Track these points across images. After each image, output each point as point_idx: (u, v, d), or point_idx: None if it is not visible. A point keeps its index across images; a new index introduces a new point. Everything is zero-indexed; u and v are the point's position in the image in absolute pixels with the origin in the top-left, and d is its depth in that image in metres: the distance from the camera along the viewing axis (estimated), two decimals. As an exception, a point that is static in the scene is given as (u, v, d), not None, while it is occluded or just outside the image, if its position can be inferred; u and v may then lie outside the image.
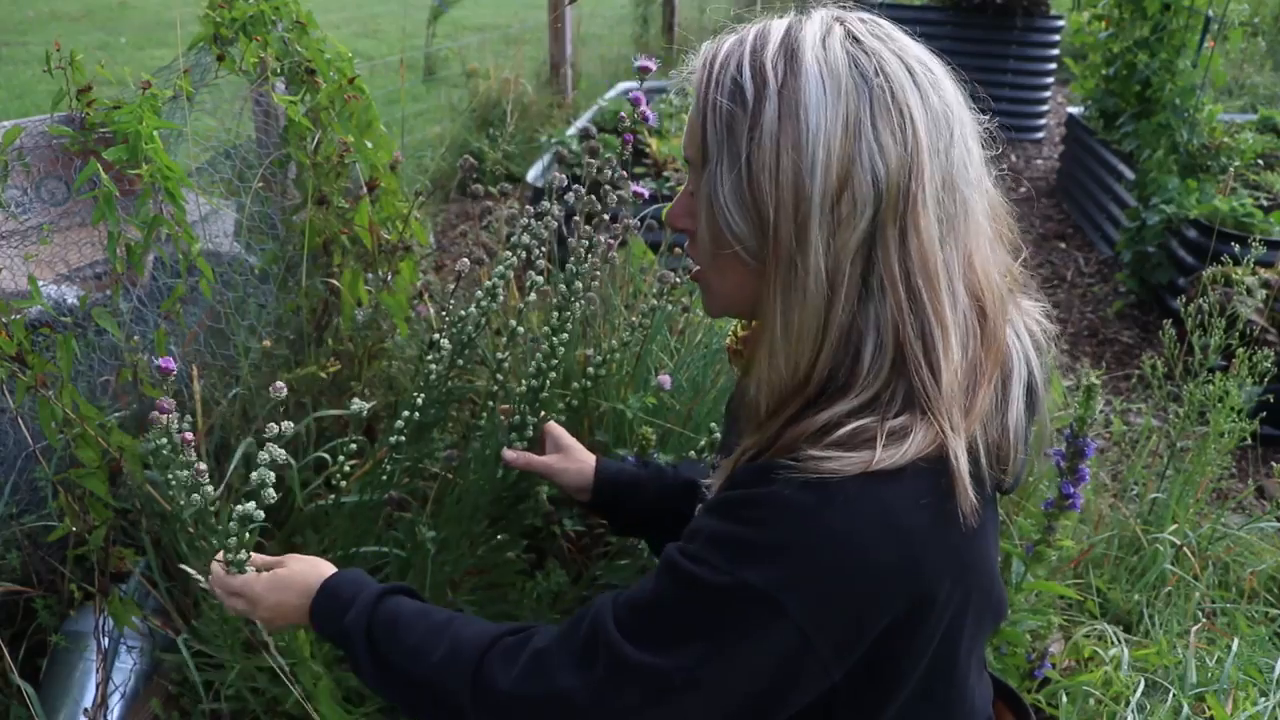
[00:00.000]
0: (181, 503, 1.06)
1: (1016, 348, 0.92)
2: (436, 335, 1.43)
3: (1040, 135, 6.57)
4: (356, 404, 1.35)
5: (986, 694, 1.05)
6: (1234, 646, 1.67)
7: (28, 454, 1.51)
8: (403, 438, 1.41)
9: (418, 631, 0.98)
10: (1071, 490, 1.39)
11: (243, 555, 1.08)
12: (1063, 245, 4.80)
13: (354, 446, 1.38)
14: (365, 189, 1.74)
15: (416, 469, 1.63)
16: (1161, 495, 2.18)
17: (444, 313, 1.46)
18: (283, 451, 1.04)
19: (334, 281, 1.79)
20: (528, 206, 1.46)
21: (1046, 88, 6.51)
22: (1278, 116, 4.64)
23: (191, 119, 1.66)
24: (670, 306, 1.74)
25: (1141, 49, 4.20)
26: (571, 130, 4.43)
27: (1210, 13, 4.07)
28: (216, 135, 1.81)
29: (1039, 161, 6.17)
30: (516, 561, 1.62)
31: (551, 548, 1.73)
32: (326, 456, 1.64)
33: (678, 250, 1.83)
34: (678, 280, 1.65)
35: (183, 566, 1.18)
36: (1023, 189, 5.63)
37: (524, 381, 1.42)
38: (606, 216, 1.50)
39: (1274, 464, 2.15)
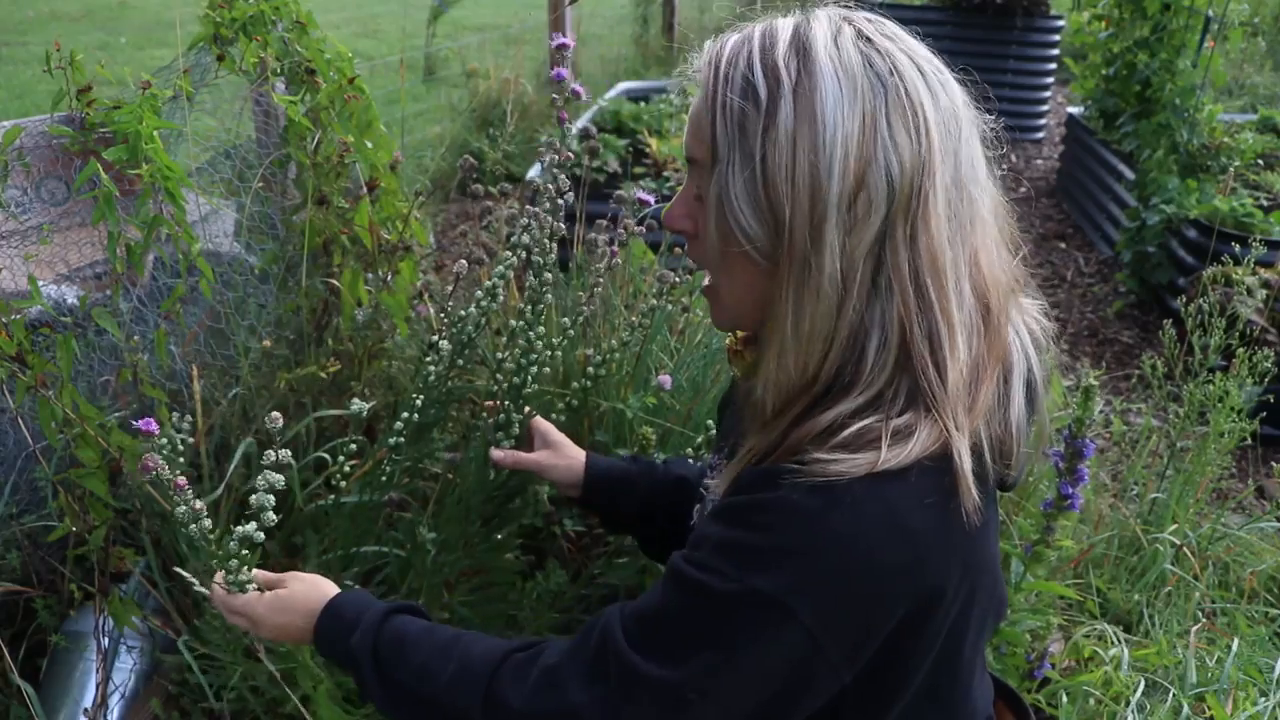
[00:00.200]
0: (180, 517, 1.06)
1: (1016, 344, 0.92)
2: (436, 336, 1.42)
3: (1040, 135, 6.57)
4: (356, 404, 1.35)
5: (988, 694, 1.05)
6: (1234, 646, 1.67)
7: (28, 454, 1.51)
8: (402, 438, 1.40)
9: (425, 650, 0.97)
10: (1071, 490, 1.39)
11: (244, 576, 1.07)
12: (1063, 245, 4.79)
13: (354, 447, 1.38)
14: (365, 189, 1.74)
15: (416, 469, 1.63)
16: (1161, 495, 2.18)
17: (444, 313, 1.46)
18: (280, 477, 1.03)
19: (334, 281, 1.79)
20: (528, 206, 1.46)
21: (1046, 88, 6.50)
22: (1278, 116, 4.64)
23: (191, 119, 1.66)
24: (670, 306, 1.74)
25: (1141, 49, 4.20)
26: (571, 130, 4.43)
27: (1210, 13, 4.07)
28: (216, 135, 1.81)
29: (1039, 161, 6.17)
30: (514, 562, 1.62)
31: (551, 548, 1.73)
32: (326, 456, 1.64)
33: (678, 250, 1.83)
34: (678, 280, 1.65)
35: (178, 570, 1.17)
36: (1023, 189, 5.62)
37: (508, 379, 1.41)
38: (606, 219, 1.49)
39: (1274, 464, 2.15)
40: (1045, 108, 6.58)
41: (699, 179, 0.88)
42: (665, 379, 1.64)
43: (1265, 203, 3.74)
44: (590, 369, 1.57)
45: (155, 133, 1.38)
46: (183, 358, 1.71)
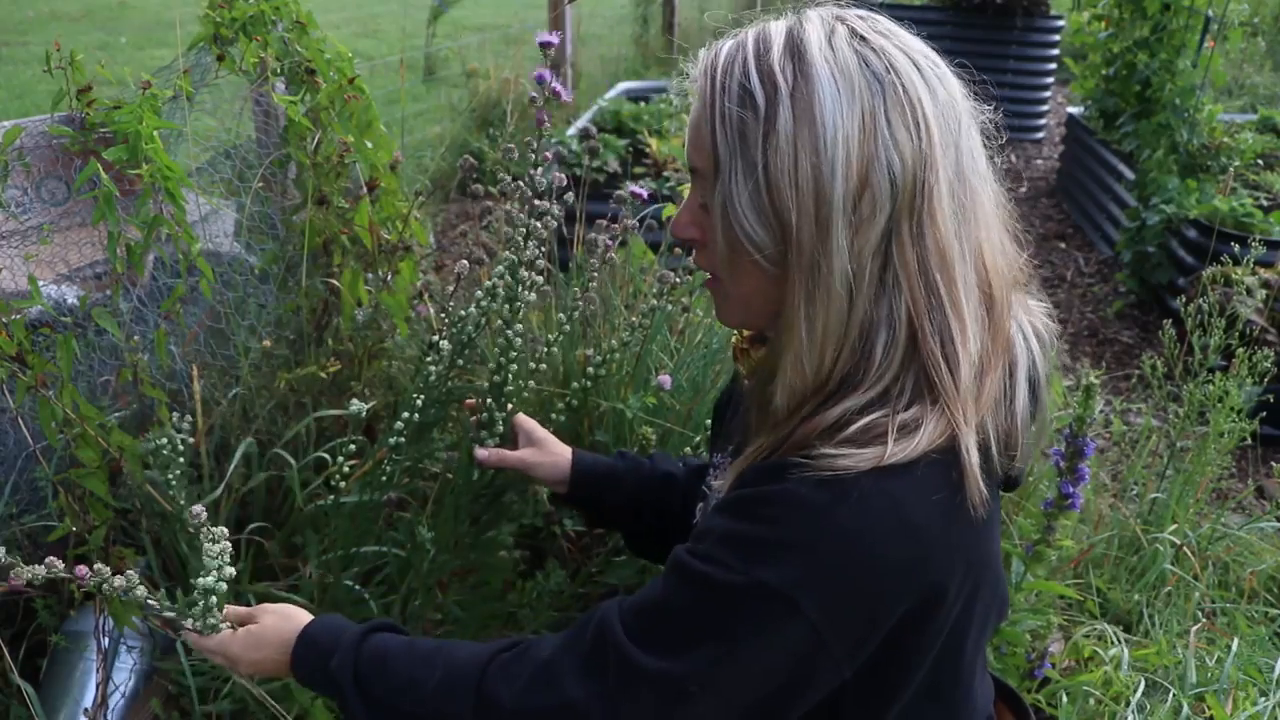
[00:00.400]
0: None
1: (1020, 339, 0.92)
2: (436, 336, 1.42)
3: (1040, 135, 6.57)
4: (356, 404, 1.35)
5: (989, 693, 1.05)
6: (1234, 646, 1.67)
7: (28, 454, 1.51)
8: (402, 438, 1.40)
9: (408, 663, 0.96)
10: (1071, 490, 1.39)
11: (212, 619, 1.06)
12: (1063, 245, 4.79)
13: (354, 447, 1.38)
14: (365, 189, 1.74)
15: (416, 469, 1.63)
16: (1161, 495, 2.18)
17: (444, 313, 1.46)
18: (231, 569, 1.04)
19: (334, 281, 1.79)
20: (508, 205, 1.45)
21: (1046, 88, 6.51)
22: (1278, 116, 4.64)
23: (191, 119, 1.66)
24: (670, 306, 1.74)
25: (1141, 49, 4.20)
26: (571, 130, 4.43)
27: (1210, 13, 4.07)
28: (216, 135, 1.81)
29: (1039, 161, 6.17)
30: (506, 561, 1.61)
31: (551, 547, 1.73)
32: (326, 456, 1.64)
33: (677, 250, 1.83)
34: (678, 280, 1.65)
35: (151, 601, 1.15)
36: (1023, 189, 5.62)
37: (488, 377, 1.40)
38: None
39: (1274, 464, 2.15)
40: (1045, 108, 6.58)
41: (703, 188, 0.88)
42: (665, 379, 1.64)
43: (1265, 203, 3.74)
44: (590, 369, 1.57)
45: (155, 133, 1.38)
46: (183, 358, 1.71)
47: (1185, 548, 2.04)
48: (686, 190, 0.96)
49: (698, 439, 1.66)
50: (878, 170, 0.79)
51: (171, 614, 1.06)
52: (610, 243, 1.68)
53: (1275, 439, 2.93)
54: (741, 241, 0.83)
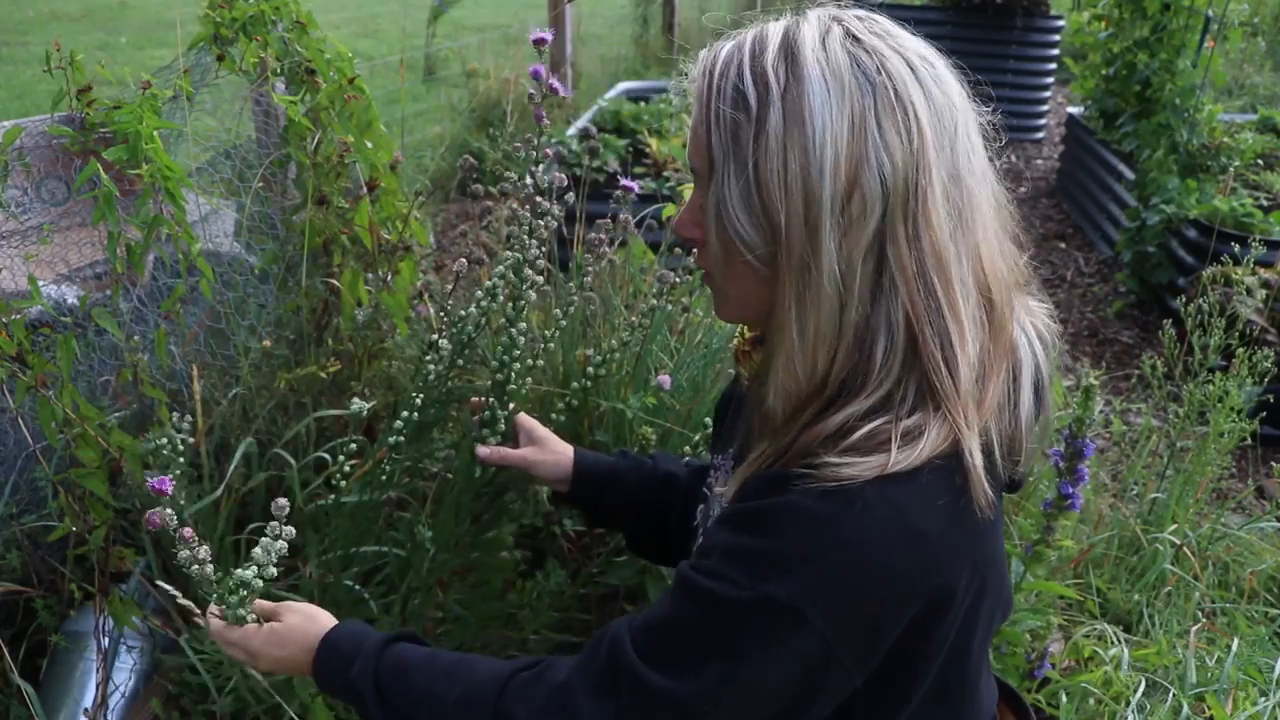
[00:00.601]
0: (182, 561, 1.06)
1: (1024, 343, 0.92)
2: (436, 336, 1.42)
3: (1040, 135, 6.57)
4: (356, 404, 1.35)
5: (993, 694, 1.05)
6: (1234, 646, 1.67)
7: (28, 454, 1.51)
8: (402, 438, 1.40)
9: (429, 676, 0.96)
10: (1071, 490, 1.39)
11: (242, 611, 1.06)
12: (1063, 245, 4.80)
13: (354, 446, 1.38)
14: (365, 189, 1.74)
15: (416, 469, 1.63)
16: (1161, 495, 2.18)
17: (444, 313, 1.46)
18: (274, 569, 1.05)
19: (334, 281, 1.79)
20: (511, 204, 1.45)
21: (1046, 88, 6.51)
22: (1278, 116, 4.64)
23: (191, 119, 1.66)
24: (670, 306, 1.74)
25: (1141, 49, 4.20)
26: (571, 130, 4.44)
27: (1210, 13, 4.07)
28: (216, 135, 1.81)
29: (1039, 161, 6.17)
30: (506, 560, 1.62)
31: (551, 547, 1.73)
32: (326, 456, 1.64)
33: (677, 250, 1.83)
34: (678, 280, 1.65)
35: (161, 584, 1.16)
36: (1023, 189, 5.62)
37: (491, 376, 1.40)
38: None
39: (1274, 464, 2.15)
40: (1045, 108, 6.58)
41: (702, 189, 0.88)
42: (665, 379, 1.64)
43: (1265, 203, 3.74)
44: (590, 369, 1.57)
45: (155, 133, 1.38)
46: (183, 358, 1.71)
47: (1185, 548, 2.04)
48: (687, 190, 0.96)
49: (698, 439, 1.66)
50: (867, 171, 0.79)
51: (208, 601, 1.06)
52: (608, 240, 1.68)
53: (1275, 439, 2.93)
54: (734, 241, 0.84)
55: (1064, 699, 1.62)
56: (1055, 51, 6.36)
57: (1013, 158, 6.13)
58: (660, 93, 4.47)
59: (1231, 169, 3.77)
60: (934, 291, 0.81)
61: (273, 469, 1.68)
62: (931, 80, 0.83)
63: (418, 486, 1.67)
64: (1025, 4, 6.12)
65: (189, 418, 1.46)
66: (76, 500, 1.44)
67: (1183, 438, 2.23)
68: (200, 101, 1.72)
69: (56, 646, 1.53)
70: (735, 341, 1.06)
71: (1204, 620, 1.93)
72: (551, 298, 1.96)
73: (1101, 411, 2.53)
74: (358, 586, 1.55)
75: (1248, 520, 2.25)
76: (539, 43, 1.37)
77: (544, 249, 1.38)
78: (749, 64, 0.82)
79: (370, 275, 1.81)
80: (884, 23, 0.85)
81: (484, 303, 1.38)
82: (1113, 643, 1.74)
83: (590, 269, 1.62)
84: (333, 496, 1.48)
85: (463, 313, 1.42)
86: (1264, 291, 2.88)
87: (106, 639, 1.52)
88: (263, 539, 1.04)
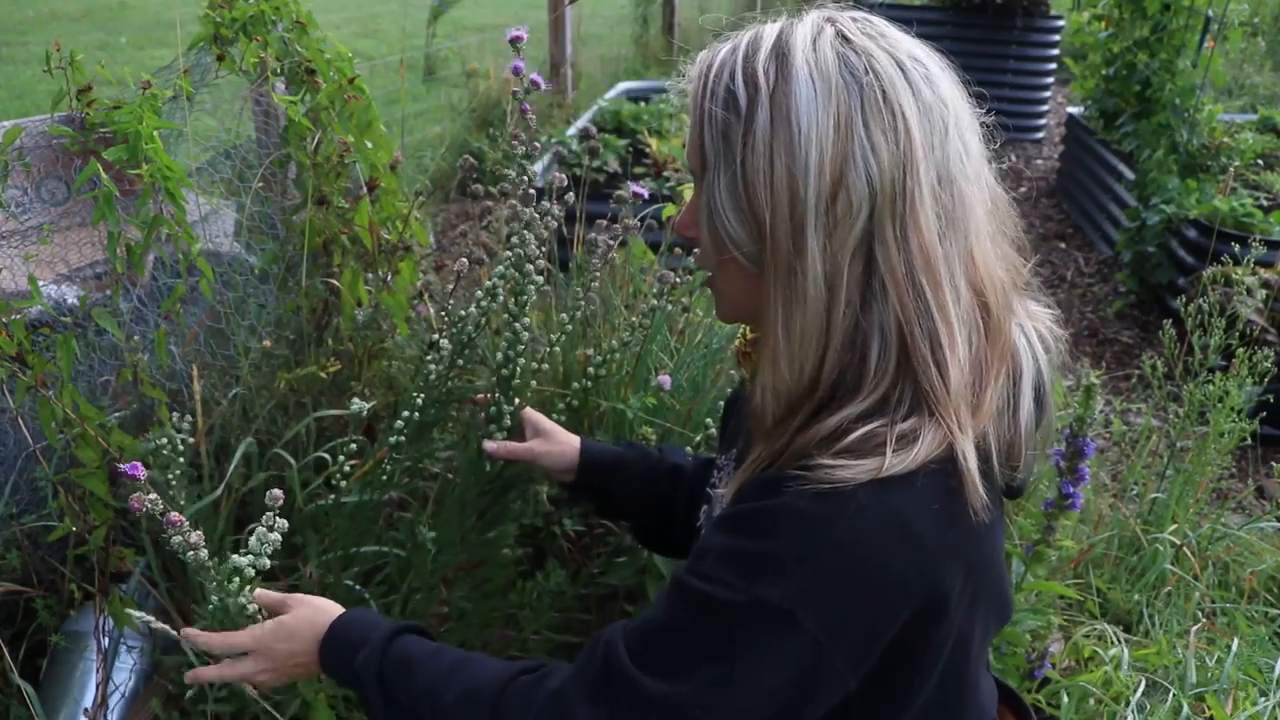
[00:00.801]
0: (175, 547, 1.05)
1: (1026, 347, 0.92)
2: (436, 336, 1.43)
3: (1040, 135, 6.57)
4: (356, 404, 1.35)
5: (993, 695, 1.05)
6: (1234, 646, 1.67)
7: (28, 454, 1.51)
8: (403, 438, 1.41)
9: (431, 672, 0.97)
10: (1071, 490, 1.39)
11: (244, 599, 1.06)
12: (1063, 245, 4.80)
13: (354, 446, 1.37)
14: (365, 189, 1.74)
15: (416, 469, 1.63)
16: (1161, 495, 2.18)
17: (444, 313, 1.46)
18: (267, 561, 1.05)
19: (334, 281, 1.79)
20: (512, 202, 1.46)
21: (1046, 88, 6.51)
22: (1278, 116, 4.64)
23: (191, 119, 1.66)
24: (670, 306, 1.74)
25: (1141, 49, 4.20)
26: (571, 130, 4.44)
27: (1210, 13, 4.07)
28: (216, 135, 1.81)
29: (1039, 161, 6.17)
30: (510, 557, 1.62)
31: (551, 547, 1.73)
32: (326, 456, 1.64)
33: (678, 250, 1.83)
34: (678, 280, 1.65)
35: (161, 626, 1.16)
36: (1023, 189, 5.63)
37: (495, 371, 1.41)
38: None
39: (1274, 464, 2.15)
40: (1045, 108, 6.58)
41: (699, 188, 0.89)
42: (665, 379, 1.64)
43: (1265, 203, 3.74)
44: (590, 369, 1.57)
45: (155, 133, 1.38)
46: (183, 358, 1.71)
47: (1185, 548, 2.04)
48: (687, 190, 0.97)
49: (698, 439, 1.66)
50: (853, 171, 0.79)
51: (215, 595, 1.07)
52: (611, 242, 1.68)
53: (1275, 439, 2.93)
54: (724, 240, 0.84)
55: (1064, 699, 1.62)
56: (1055, 51, 6.36)
57: (1012, 158, 6.13)
58: (660, 93, 4.47)
59: (1231, 169, 3.77)
60: (923, 293, 0.81)
61: (273, 469, 1.68)
62: (922, 80, 0.82)
63: (418, 486, 1.67)
64: (1025, 4, 6.12)
65: (189, 418, 1.46)
66: (76, 500, 1.44)
67: (1183, 438, 2.23)
68: (200, 101, 1.72)
69: (56, 646, 1.53)
70: (737, 342, 1.07)
71: (1204, 620, 1.93)
72: (552, 298, 1.96)
73: (1102, 411, 2.53)
74: (358, 586, 1.55)
75: (1248, 520, 2.25)
76: (515, 40, 1.41)
77: (544, 249, 1.38)
78: (741, 65, 0.83)
79: (370, 275, 1.81)
80: (878, 24, 0.85)
81: (484, 302, 1.39)
82: (1113, 643, 1.74)
83: (597, 274, 1.62)
84: (333, 496, 1.48)
85: (463, 312, 1.42)
86: (1264, 291, 2.88)
87: (106, 639, 1.52)
88: (258, 529, 1.04)
